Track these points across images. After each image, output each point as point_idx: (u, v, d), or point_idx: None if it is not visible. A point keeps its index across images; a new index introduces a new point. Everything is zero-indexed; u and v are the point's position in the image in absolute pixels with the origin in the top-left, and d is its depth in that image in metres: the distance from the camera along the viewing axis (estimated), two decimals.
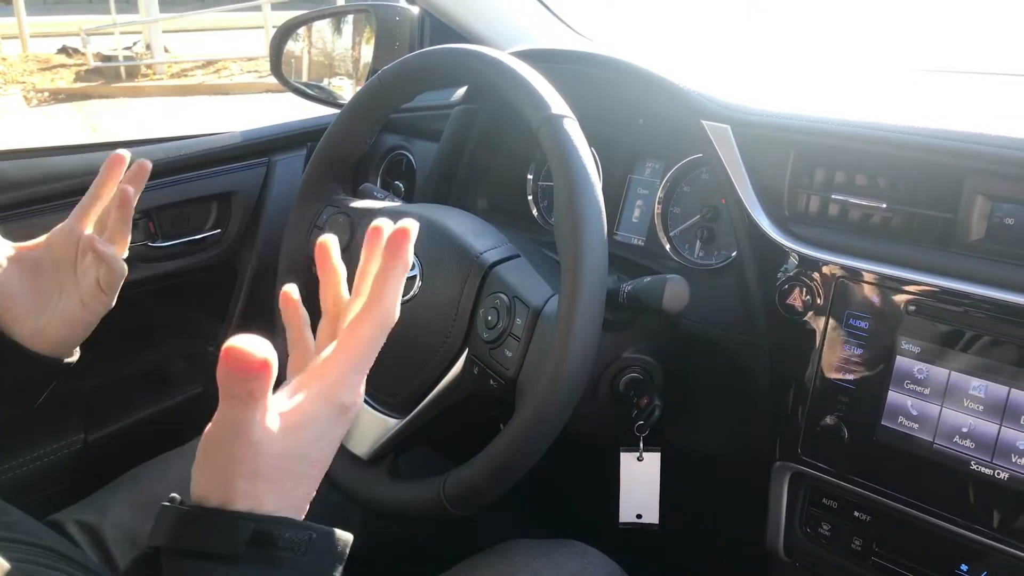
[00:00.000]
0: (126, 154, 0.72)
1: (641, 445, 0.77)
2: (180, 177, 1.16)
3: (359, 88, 1.38)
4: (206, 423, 0.96)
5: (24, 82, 9.24)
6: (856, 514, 0.73)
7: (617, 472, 0.78)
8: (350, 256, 0.82)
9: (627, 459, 0.78)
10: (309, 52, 1.42)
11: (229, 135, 1.24)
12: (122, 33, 10.20)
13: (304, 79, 1.40)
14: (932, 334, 0.65)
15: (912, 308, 0.67)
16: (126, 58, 9.60)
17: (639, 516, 0.80)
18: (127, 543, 0.77)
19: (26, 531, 0.58)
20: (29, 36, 10.92)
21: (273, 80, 1.38)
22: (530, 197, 1.11)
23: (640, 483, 0.79)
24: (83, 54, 10.10)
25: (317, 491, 0.87)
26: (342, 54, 1.42)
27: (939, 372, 0.65)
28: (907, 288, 0.67)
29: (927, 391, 0.65)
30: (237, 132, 1.25)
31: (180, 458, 0.88)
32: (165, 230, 1.16)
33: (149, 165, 0.74)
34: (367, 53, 1.36)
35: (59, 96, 8.85)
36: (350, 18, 1.40)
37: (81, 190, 1.07)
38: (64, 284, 0.70)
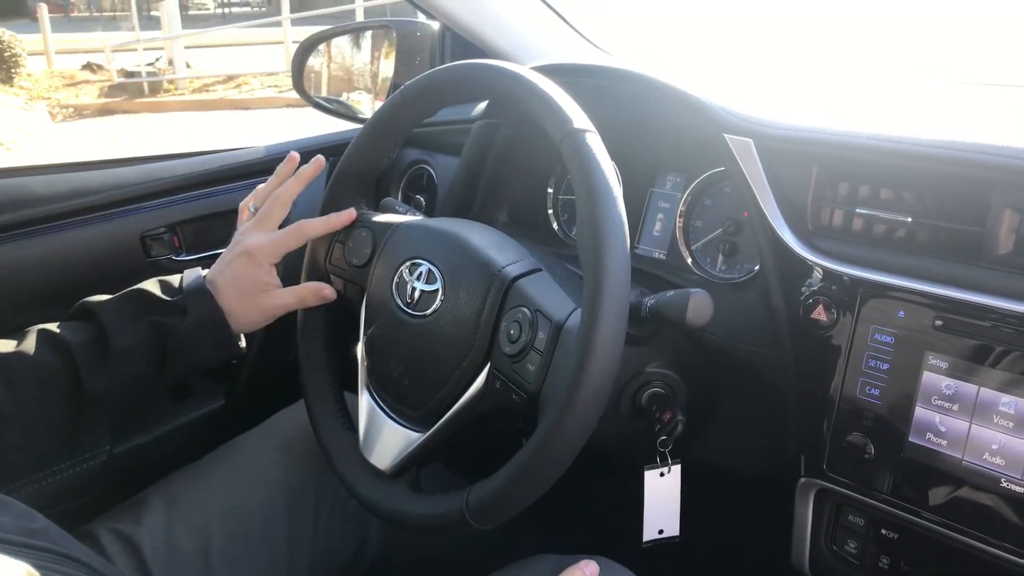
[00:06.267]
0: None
1: (667, 460, 0.76)
2: (204, 191, 1.17)
3: (378, 102, 1.40)
4: (228, 436, 0.97)
5: (49, 98, 9.40)
6: (883, 532, 0.72)
7: (640, 489, 0.77)
8: (371, 270, 0.83)
9: (651, 477, 0.77)
10: (328, 67, 1.44)
11: (252, 150, 1.26)
12: (145, 49, 10.37)
13: (324, 94, 1.42)
14: (960, 349, 0.65)
15: (939, 323, 0.66)
16: (149, 74, 9.76)
17: (661, 531, 0.79)
18: (164, 549, 0.78)
19: (51, 540, 0.59)
20: (54, 53, 11.14)
21: (292, 95, 1.40)
22: (550, 211, 1.11)
23: (662, 498, 0.78)
24: (107, 70, 10.27)
25: (336, 504, 0.88)
26: (361, 69, 1.43)
27: (968, 388, 0.64)
28: (934, 303, 0.66)
29: (956, 407, 0.65)
30: (260, 147, 1.26)
31: (208, 467, 0.89)
32: (189, 244, 1.17)
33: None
34: (386, 68, 1.37)
35: (83, 112, 9.00)
36: (369, 33, 1.42)
37: (106, 205, 1.10)
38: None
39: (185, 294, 0.80)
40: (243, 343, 0.84)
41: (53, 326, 0.76)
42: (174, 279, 0.83)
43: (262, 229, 0.85)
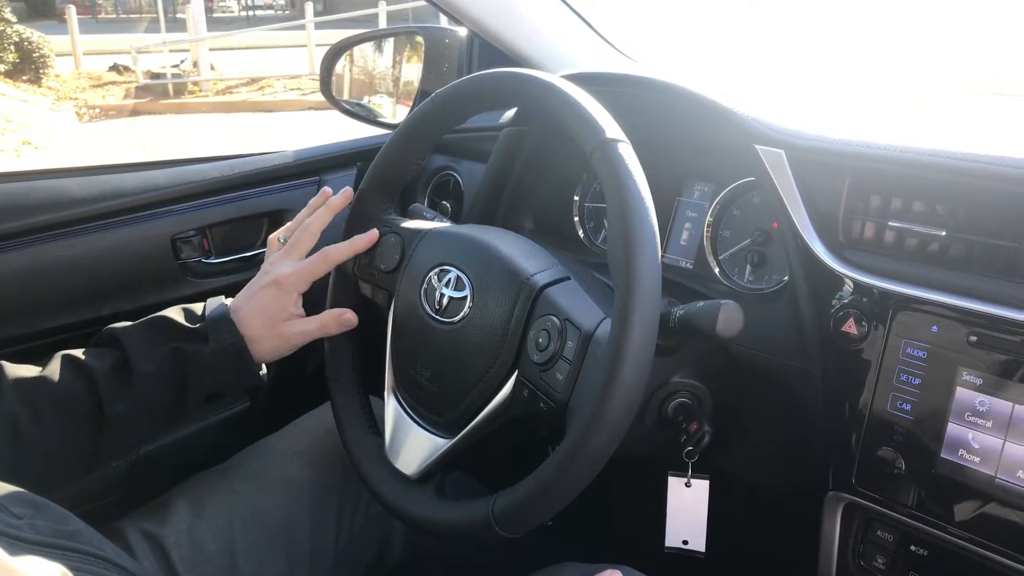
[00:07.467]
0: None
1: (689, 471, 0.76)
2: (233, 195, 1.19)
3: (400, 107, 1.40)
4: (254, 437, 0.98)
5: (76, 99, 9.54)
6: (913, 548, 0.72)
7: (664, 497, 0.77)
8: (399, 276, 0.84)
9: (675, 484, 0.77)
10: (351, 71, 1.45)
11: (281, 154, 1.27)
12: (171, 51, 10.49)
13: (345, 97, 1.43)
14: (994, 365, 0.64)
15: (973, 339, 0.65)
16: (174, 75, 9.87)
17: (685, 542, 0.79)
18: (189, 549, 0.79)
19: (86, 541, 0.59)
20: (82, 54, 11.30)
21: (315, 98, 1.42)
22: (576, 218, 1.11)
23: (688, 509, 0.78)
24: (133, 71, 10.40)
25: (360, 507, 0.89)
26: (383, 73, 1.44)
27: (1002, 405, 0.63)
28: (968, 318, 0.66)
29: (989, 424, 0.64)
30: (289, 151, 1.28)
31: (233, 469, 0.89)
32: (218, 246, 1.19)
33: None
34: (408, 72, 1.38)
35: (109, 112, 9.12)
36: (391, 38, 1.43)
37: (138, 207, 1.11)
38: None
39: (207, 322, 0.81)
40: (264, 373, 0.85)
41: (78, 352, 0.77)
42: (197, 307, 0.84)
43: (290, 258, 0.86)
